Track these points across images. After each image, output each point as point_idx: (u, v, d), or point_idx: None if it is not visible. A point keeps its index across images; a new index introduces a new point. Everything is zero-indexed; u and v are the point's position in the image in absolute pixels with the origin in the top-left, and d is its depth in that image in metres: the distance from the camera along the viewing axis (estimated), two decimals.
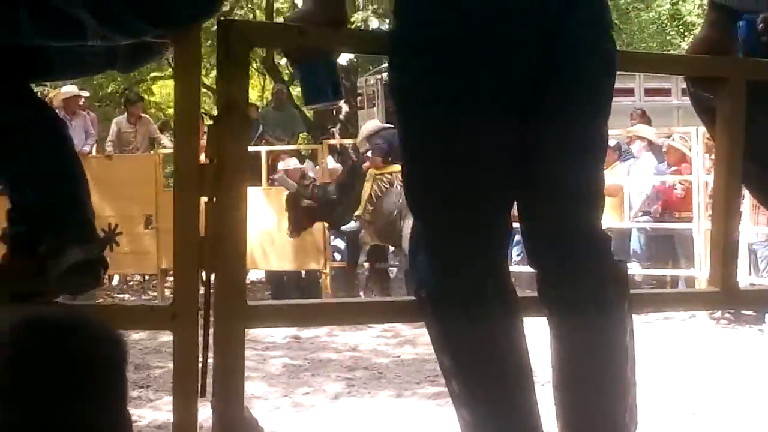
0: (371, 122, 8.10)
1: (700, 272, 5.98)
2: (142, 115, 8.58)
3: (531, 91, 1.41)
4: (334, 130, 10.19)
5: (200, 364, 1.42)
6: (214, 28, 1.44)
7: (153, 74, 14.30)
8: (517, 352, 1.44)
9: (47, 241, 1.41)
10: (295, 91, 10.49)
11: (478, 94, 1.37)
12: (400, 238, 6.54)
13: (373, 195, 6.85)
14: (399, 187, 6.38)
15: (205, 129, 1.44)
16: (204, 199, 1.42)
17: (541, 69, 1.40)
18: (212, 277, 1.42)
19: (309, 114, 10.60)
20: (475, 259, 1.43)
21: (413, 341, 5.64)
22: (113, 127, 8.19)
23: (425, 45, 1.40)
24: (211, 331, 1.47)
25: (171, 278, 6.25)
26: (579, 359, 1.45)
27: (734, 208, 1.72)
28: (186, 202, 1.39)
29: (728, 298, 1.77)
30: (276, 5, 12.06)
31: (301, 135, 10.07)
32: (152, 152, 7.80)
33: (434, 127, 1.41)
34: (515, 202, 1.50)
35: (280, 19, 10.51)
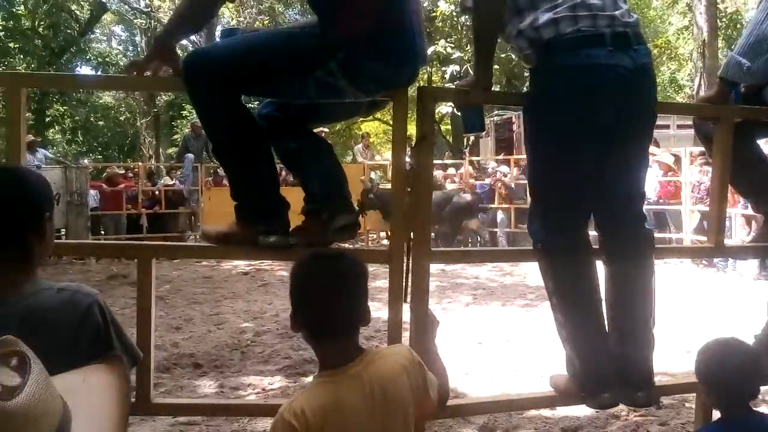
0: None
1: (685, 236, 9.39)
2: (368, 143, 14.72)
3: (610, 130, 2.04)
4: (465, 150, 15.39)
5: (404, 283, 2.13)
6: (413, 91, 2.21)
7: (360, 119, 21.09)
8: (591, 280, 2.14)
9: (326, 212, 2.12)
10: (444, 126, 16.50)
11: (576, 132, 2.03)
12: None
13: None
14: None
15: (409, 149, 2.21)
16: (408, 189, 2.14)
17: (617, 116, 2.03)
18: (411, 234, 2.14)
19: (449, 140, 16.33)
20: (570, 227, 2.14)
21: (511, 273, 8.81)
22: (357, 150, 14.32)
23: (547, 102, 2.06)
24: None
25: (371, 235, 12.10)
26: (625, 286, 2.17)
27: (724, 196, 2.46)
28: (399, 190, 2.13)
29: (718, 250, 2.53)
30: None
31: (446, 153, 15.41)
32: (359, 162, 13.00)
33: (550, 149, 2.09)
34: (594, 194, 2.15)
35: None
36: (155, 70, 2.10)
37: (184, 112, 24.00)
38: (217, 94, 1.98)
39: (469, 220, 10.67)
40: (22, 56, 19.75)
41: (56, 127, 23.46)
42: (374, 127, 23.28)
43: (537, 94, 2.13)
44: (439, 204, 9.99)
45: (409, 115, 2.21)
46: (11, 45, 19.45)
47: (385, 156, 14.92)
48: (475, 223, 10.84)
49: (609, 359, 2.17)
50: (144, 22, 22.41)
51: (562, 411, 3.59)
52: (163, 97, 21.54)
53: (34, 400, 1.01)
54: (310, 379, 4.44)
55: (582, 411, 3.49)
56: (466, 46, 15.55)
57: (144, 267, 2.05)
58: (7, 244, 1.51)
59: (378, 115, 24.65)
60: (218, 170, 12.94)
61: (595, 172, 2.11)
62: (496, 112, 14.34)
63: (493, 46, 2.16)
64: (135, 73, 2.13)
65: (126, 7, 22.92)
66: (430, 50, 15.60)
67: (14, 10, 19.58)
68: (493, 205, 11.75)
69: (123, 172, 13.39)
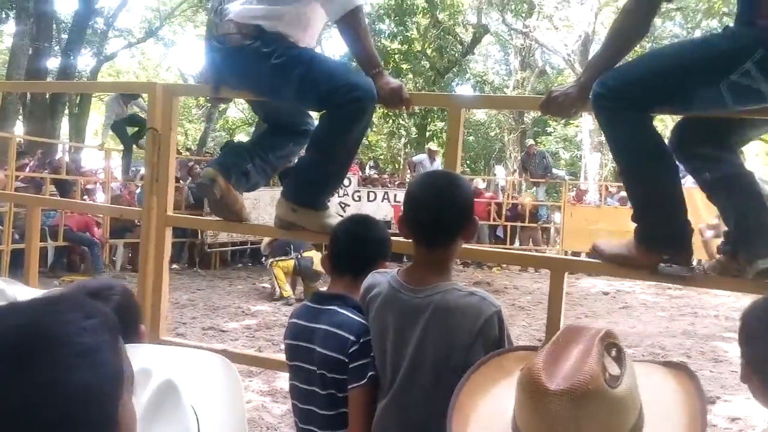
0: None
1: None
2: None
3: None
4: None
5: None
6: None
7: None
8: None
9: (743, 255, 1.99)
10: None
11: None
12: None
13: None
14: None
15: None
16: None
17: None
18: None
19: None
20: None
21: None
22: None
23: None
24: None
25: None
26: None
27: None
28: None
29: None
30: None
31: None
32: None
33: None
34: None
35: None
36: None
37: (549, 128, 24.54)
38: (630, 115, 1.97)
39: None
40: (411, 76, 22.14)
41: (435, 141, 25.84)
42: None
43: None
44: None
45: None
46: (403, 66, 21.94)
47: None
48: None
49: None
50: (522, 42, 23.43)
51: None
52: (532, 113, 22.26)
53: (629, 390, 1.14)
54: None
55: None
56: None
57: (556, 279, 2.22)
58: (438, 243, 1.69)
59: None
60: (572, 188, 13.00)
61: None
62: None
63: None
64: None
65: (504, 27, 24.24)
66: None
67: (409, 34, 22.08)
68: None
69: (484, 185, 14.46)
